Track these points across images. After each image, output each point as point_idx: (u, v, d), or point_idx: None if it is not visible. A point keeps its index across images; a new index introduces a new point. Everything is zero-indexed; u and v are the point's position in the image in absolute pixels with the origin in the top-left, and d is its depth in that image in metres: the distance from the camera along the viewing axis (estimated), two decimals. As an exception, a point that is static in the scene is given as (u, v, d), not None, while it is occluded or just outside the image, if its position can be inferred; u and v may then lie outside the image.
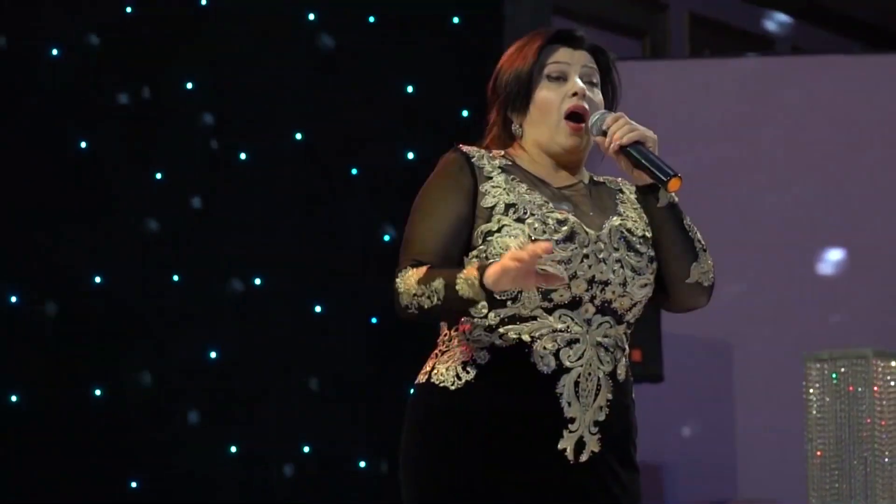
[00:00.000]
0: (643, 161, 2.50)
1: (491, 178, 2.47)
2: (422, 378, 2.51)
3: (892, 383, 4.97)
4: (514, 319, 2.42)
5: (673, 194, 2.54)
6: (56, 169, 5.68)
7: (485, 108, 2.65)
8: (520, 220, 2.43)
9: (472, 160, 2.50)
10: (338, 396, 5.63)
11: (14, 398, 5.54)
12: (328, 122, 5.70)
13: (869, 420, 4.88)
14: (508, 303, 2.41)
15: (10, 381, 5.57)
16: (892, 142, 7.14)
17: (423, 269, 2.38)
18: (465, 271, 2.33)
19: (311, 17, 5.69)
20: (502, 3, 5.79)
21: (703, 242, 2.61)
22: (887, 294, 7.00)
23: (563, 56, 2.57)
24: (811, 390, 4.93)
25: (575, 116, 2.54)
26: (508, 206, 2.44)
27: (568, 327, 2.43)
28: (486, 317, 2.42)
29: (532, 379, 2.41)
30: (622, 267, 2.48)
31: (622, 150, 2.50)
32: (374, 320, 5.60)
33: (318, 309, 5.63)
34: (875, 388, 4.89)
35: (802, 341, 5.95)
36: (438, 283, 2.34)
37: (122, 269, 5.66)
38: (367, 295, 5.60)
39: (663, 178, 2.47)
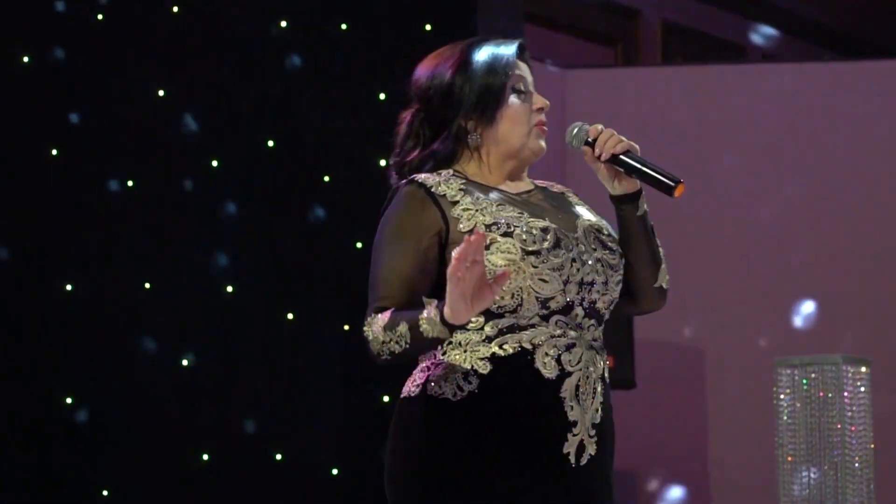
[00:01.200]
0: (643, 168, 2.54)
1: (457, 201, 2.48)
2: (412, 390, 2.49)
3: (863, 389, 5.01)
4: (513, 329, 2.44)
5: (645, 206, 2.60)
6: (26, 178, 5.67)
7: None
8: (506, 234, 2.45)
9: (432, 189, 2.50)
10: (310, 403, 5.63)
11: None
12: (300, 129, 5.70)
13: (839, 425, 4.91)
14: (506, 315, 2.44)
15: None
16: (864, 148, 7.18)
17: (386, 316, 2.41)
18: (425, 312, 2.35)
19: (284, 24, 5.69)
20: (475, 12, 5.80)
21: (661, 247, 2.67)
22: (858, 301, 7.03)
23: (522, 69, 2.63)
24: (782, 396, 4.96)
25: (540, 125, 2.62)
26: (489, 225, 2.46)
27: (564, 332, 2.46)
28: (482, 328, 2.44)
29: (538, 385, 2.44)
30: (602, 266, 2.53)
31: (615, 158, 2.55)
32: (346, 327, 5.60)
33: (290, 316, 5.62)
34: (845, 394, 4.92)
35: (773, 348, 5.98)
36: (403, 328, 2.37)
37: (93, 277, 5.65)
38: (340, 301, 5.60)
39: (671, 183, 2.51)
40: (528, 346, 2.44)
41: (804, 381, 4.94)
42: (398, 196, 2.52)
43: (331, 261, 5.62)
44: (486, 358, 2.44)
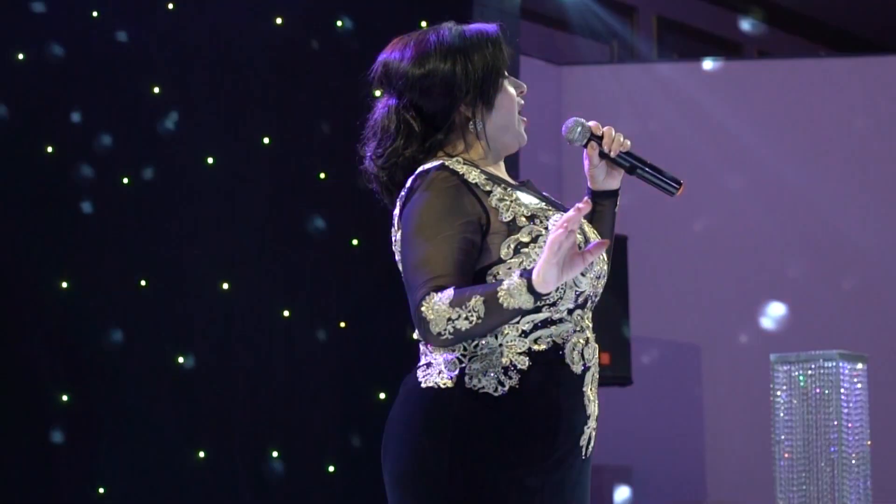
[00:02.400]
0: (649, 167, 2.58)
1: (489, 191, 2.45)
2: (441, 382, 2.44)
3: (859, 385, 4.99)
4: (546, 324, 2.43)
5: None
6: (25, 176, 5.69)
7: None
8: (549, 228, 2.42)
9: (464, 177, 2.45)
10: (306, 400, 5.63)
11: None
12: (296, 127, 5.70)
13: (836, 422, 4.89)
14: (544, 309, 2.42)
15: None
16: (857, 144, 7.17)
17: (450, 293, 2.31)
18: (505, 283, 2.28)
19: (279, 21, 5.69)
20: (470, 10, 5.79)
21: None
22: (854, 298, 7.03)
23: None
24: (779, 393, 4.95)
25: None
26: (529, 218, 2.44)
27: (581, 326, 2.48)
28: (517, 323, 2.42)
29: (568, 380, 2.45)
30: (604, 258, 2.54)
31: (620, 156, 2.59)
32: (342, 324, 5.60)
33: (286, 313, 5.62)
34: (842, 391, 4.91)
35: (770, 344, 5.98)
36: (476, 302, 2.29)
37: (89, 275, 5.65)
38: (335, 299, 5.60)
39: (676, 185, 2.57)
40: (559, 342, 2.44)
41: (801, 378, 4.92)
42: (431, 181, 2.44)
43: (326, 258, 5.63)
44: (524, 353, 2.42)
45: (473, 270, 2.41)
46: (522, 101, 2.60)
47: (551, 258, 2.22)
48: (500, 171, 2.59)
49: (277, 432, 5.62)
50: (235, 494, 5.60)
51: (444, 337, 2.31)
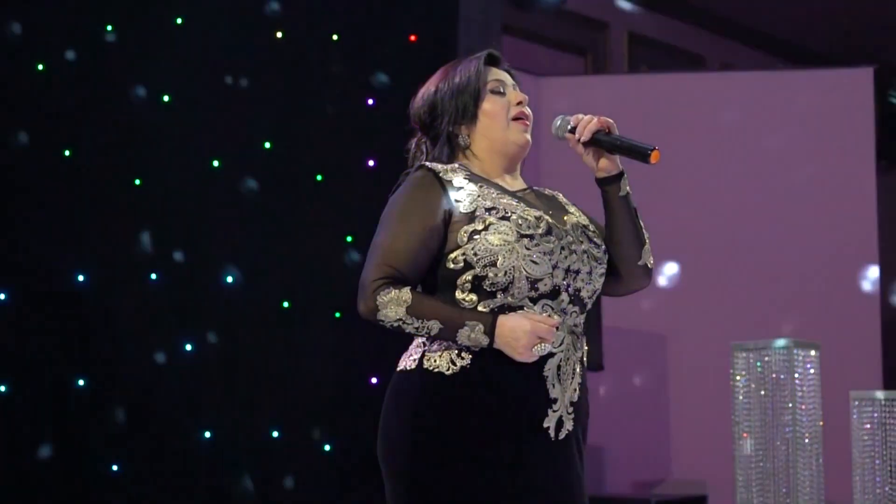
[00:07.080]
0: (620, 142, 2.56)
1: (462, 187, 2.51)
2: (409, 365, 2.49)
3: (812, 371, 5.00)
4: (504, 309, 2.45)
5: (628, 187, 2.63)
6: (42, 174, 5.67)
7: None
8: (504, 218, 2.47)
9: (440, 174, 2.53)
10: (304, 385, 5.62)
11: (2, 388, 5.53)
12: (296, 132, 5.69)
13: (790, 404, 4.91)
14: (499, 294, 2.45)
15: (1, 372, 5.55)
16: (816, 149, 7.20)
17: (409, 297, 2.42)
18: (469, 330, 2.40)
19: (279, 35, 5.69)
20: (456, 24, 5.80)
21: (645, 230, 2.70)
22: (806, 290, 7.06)
23: (497, 75, 2.70)
24: (738, 378, 4.96)
25: (521, 119, 2.68)
26: (489, 209, 2.48)
27: (549, 316, 2.47)
28: (475, 307, 2.45)
29: (523, 363, 2.44)
30: (588, 257, 2.55)
31: (594, 139, 2.59)
32: (337, 315, 5.59)
33: (286, 304, 5.62)
34: (796, 376, 4.92)
35: (730, 333, 6.00)
36: (433, 325, 2.41)
37: (104, 269, 5.64)
38: (332, 291, 5.59)
39: (648, 150, 2.52)
40: None
41: (758, 364, 4.94)
42: (410, 179, 2.55)
43: (323, 253, 5.62)
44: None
45: (430, 259, 2.48)
46: (522, 109, 2.68)
47: (529, 337, 2.39)
48: (505, 178, 2.65)
49: (278, 414, 5.61)
50: (239, 471, 5.59)
51: (383, 324, 2.44)
